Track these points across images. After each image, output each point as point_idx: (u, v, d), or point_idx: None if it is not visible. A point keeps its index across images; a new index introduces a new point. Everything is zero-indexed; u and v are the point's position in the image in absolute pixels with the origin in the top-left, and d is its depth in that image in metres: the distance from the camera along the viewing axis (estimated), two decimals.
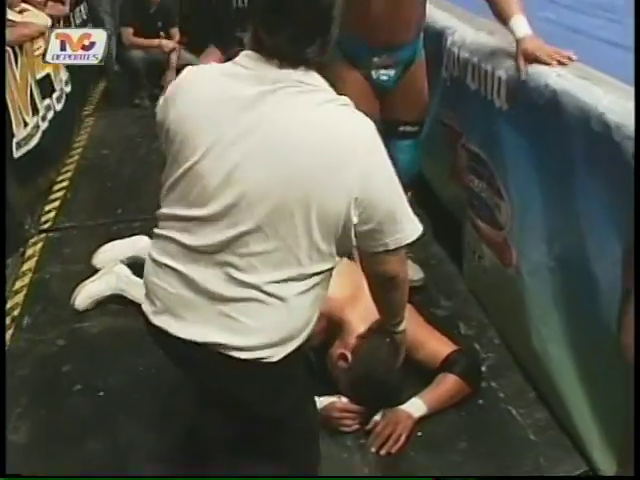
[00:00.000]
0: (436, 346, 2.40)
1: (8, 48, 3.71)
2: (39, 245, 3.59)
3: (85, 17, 6.11)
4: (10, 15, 3.90)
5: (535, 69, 2.20)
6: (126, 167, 4.46)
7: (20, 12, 4.10)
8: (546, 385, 2.31)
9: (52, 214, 3.90)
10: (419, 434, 2.24)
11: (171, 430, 2.29)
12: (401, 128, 2.82)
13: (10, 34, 3.78)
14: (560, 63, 2.19)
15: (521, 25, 2.30)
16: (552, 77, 2.12)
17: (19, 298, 3.14)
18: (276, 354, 1.54)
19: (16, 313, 3.02)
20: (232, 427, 1.86)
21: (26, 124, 3.86)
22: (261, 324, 1.52)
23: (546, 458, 2.14)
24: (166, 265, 1.57)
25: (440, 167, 3.28)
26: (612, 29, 2.64)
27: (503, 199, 2.51)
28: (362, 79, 2.67)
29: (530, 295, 2.35)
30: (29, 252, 3.52)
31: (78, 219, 3.83)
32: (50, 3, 4.82)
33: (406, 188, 2.47)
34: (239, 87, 1.48)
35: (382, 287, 1.72)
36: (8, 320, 2.97)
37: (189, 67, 1.63)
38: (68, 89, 4.92)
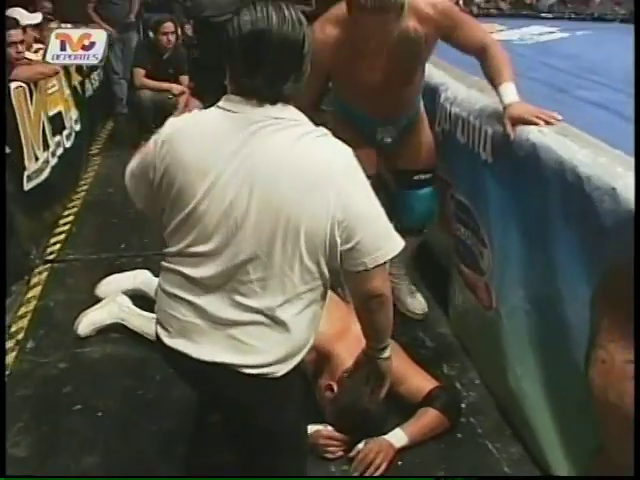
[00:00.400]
0: (419, 381, 2.54)
1: (24, 84, 3.93)
2: (44, 274, 3.74)
3: None
4: (26, 54, 4.12)
5: (520, 127, 2.38)
6: (130, 205, 4.56)
7: (35, 52, 4.31)
8: (521, 421, 2.45)
9: (57, 246, 4.06)
10: (399, 463, 2.37)
11: (167, 448, 2.42)
12: (415, 177, 3.06)
13: (27, 72, 4.00)
14: (547, 123, 2.36)
15: (509, 92, 2.48)
16: (533, 132, 2.30)
17: (23, 323, 3.28)
18: (279, 370, 1.68)
19: (20, 337, 3.16)
20: (233, 442, 1.99)
21: (37, 158, 4.05)
22: (265, 345, 1.66)
23: None
24: (176, 295, 1.71)
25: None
26: (597, 90, 2.82)
27: (486, 247, 2.68)
28: (364, 140, 2.82)
29: (508, 336, 2.51)
30: (34, 280, 3.67)
31: (82, 252, 3.98)
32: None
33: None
34: (226, 132, 1.61)
35: (367, 307, 1.79)
36: (12, 343, 3.11)
37: (174, 118, 1.75)
38: (78, 127, 5.12)
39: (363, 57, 2.65)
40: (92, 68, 6.11)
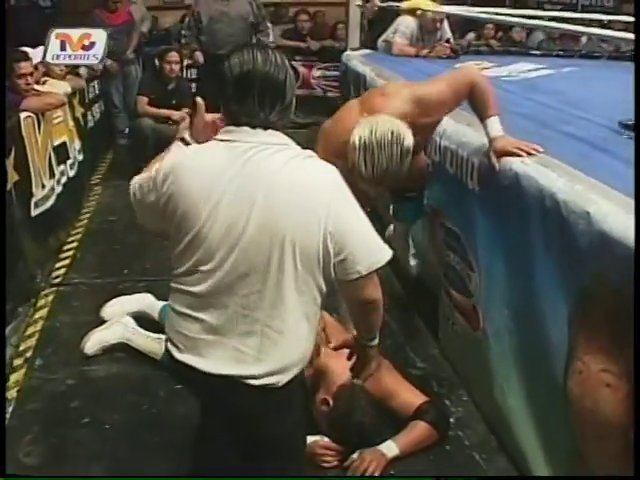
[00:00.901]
0: (409, 397, 2.69)
1: (33, 115, 4.11)
2: (50, 297, 3.88)
3: (98, 92, 6.55)
4: (35, 86, 4.31)
5: (504, 158, 2.56)
6: (132, 233, 4.75)
7: (43, 83, 4.51)
8: (506, 434, 2.60)
9: (62, 271, 4.20)
10: (391, 472, 2.51)
11: (172, 458, 2.54)
12: (406, 194, 3.27)
13: (36, 102, 4.19)
14: (528, 154, 2.55)
15: (495, 126, 2.66)
16: (516, 163, 2.48)
17: (31, 342, 3.42)
18: (280, 380, 1.83)
19: (29, 355, 3.30)
20: (236, 450, 2.13)
21: (44, 186, 4.22)
22: (265, 355, 1.81)
23: None
24: (184, 313, 1.86)
25: (419, 244, 3.62)
26: (578, 125, 3.01)
27: (474, 271, 2.85)
28: None
29: (494, 354, 2.67)
30: (41, 302, 3.81)
31: (87, 277, 4.12)
32: (69, 76, 5.23)
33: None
34: (225, 159, 1.80)
35: (361, 311, 1.96)
36: (21, 361, 3.25)
37: (178, 149, 1.95)
38: (80, 157, 5.30)
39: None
40: (94, 100, 6.32)
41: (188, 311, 1.85)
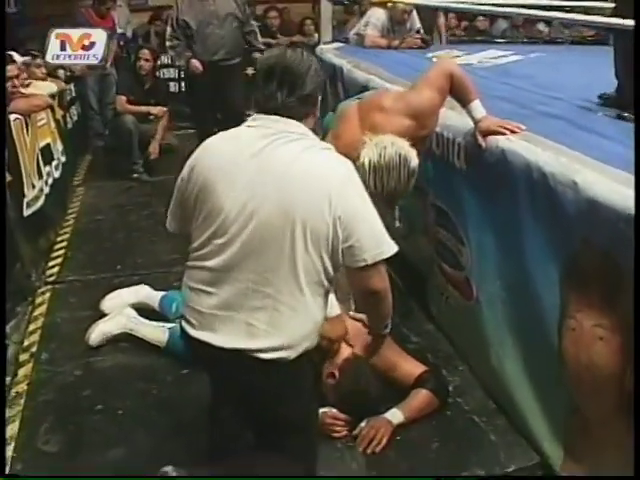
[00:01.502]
0: (410, 367, 2.83)
1: (20, 117, 4.18)
2: (47, 295, 3.95)
3: (74, 95, 6.59)
4: (22, 89, 4.39)
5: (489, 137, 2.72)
6: (120, 231, 4.87)
7: (27, 86, 4.57)
8: (504, 396, 2.75)
9: (56, 269, 4.27)
10: (398, 438, 2.65)
11: (185, 438, 2.65)
12: None
13: (24, 104, 4.26)
14: (512, 132, 2.72)
15: (478, 109, 2.84)
16: (502, 141, 2.65)
17: (35, 337, 3.49)
18: (290, 355, 1.95)
19: (34, 350, 3.37)
20: (248, 424, 2.25)
21: (34, 187, 4.29)
22: (276, 329, 1.93)
23: (505, 454, 2.57)
24: (198, 289, 1.99)
25: (409, 227, 3.76)
26: (553, 105, 3.18)
27: (464, 245, 3.00)
28: None
29: (488, 322, 2.83)
30: (38, 300, 3.89)
31: (81, 274, 4.20)
32: (49, 79, 5.29)
33: None
34: (247, 140, 1.96)
35: (368, 301, 2.10)
36: (27, 355, 3.33)
37: (208, 140, 2.08)
38: (63, 159, 5.36)
39: None
40: (71, 102, 6.36)
41: (202, 286, 1.98)
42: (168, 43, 5.89)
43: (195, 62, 5.71)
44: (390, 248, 1.96)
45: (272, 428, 2.11)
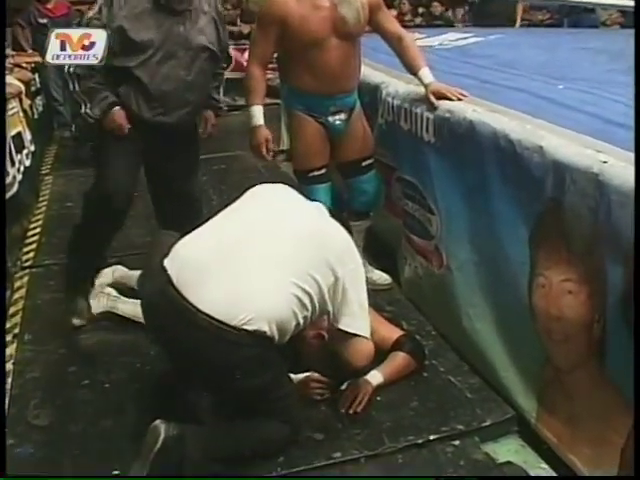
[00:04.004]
0: (387, 332, 2.95)
1: None
2: (25, 279, 4.00)
3: (39, 85, 6.59)
4: None
5: (456, 107, 2.86)
6: None
7: None
8: (476, 356, 2.89)
9: (31, 254, 4.32)
10: (378, 398, 2.77)
11: (170, 407, 2.73)
12: (363, 163, 3.50)
13: None
14: (458, 98, 2.97)
15: (427, 74, 3.14)
16: (469, 112, 2.78)
17: (16, 320, 3.55)
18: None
19: (16, 331, 3.43)
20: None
21: (7, 174, 4.32)
22: None
23: (481, 409, 2.70)
24: None
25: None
26: (515, 80, 3.32)
27: (433, 213, 3.13)
28: (320, 127, 3.35)
29: (459, 286, 2.97)
30: (17, 284, 3.94)
31: (57, 258, 4.22)
32: (16, 69, 5.32)
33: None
34: None
35: None
36: (10, 337, 3.38)
37: None
38: (32, 147, 5.39)
39: (316, 8, 3.15)
40: (37, 92, 6.36)
41: None
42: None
43: (120, 115, 3.13)
44: None
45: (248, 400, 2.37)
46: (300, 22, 3.13)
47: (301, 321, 2.34)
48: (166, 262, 2.32)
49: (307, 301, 2.31)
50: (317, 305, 2.35)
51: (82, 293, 3.40)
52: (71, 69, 3.10)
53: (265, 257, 2.30)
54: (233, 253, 2.30)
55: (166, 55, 3.08)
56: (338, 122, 3.36)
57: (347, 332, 2.45)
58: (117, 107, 3.12)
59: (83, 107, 3.13)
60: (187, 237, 2.43)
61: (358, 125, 3.44)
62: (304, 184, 3.39)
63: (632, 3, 3.30)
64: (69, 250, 3.49)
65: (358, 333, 2.45)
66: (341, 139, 3.43)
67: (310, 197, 2.77)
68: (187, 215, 3.24)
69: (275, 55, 3.40)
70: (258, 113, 3.33)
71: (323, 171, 3.41)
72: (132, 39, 3.01)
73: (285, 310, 2.27)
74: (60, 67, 6.56)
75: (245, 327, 2.20)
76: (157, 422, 2.28)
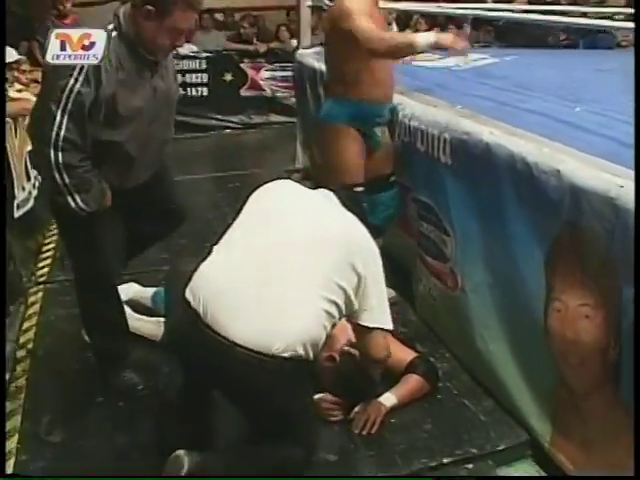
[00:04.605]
0: (401, 353, 2.94)
1: (10, 120, 4.25)
2: (39, 294, 4.01)
3: None
4: (10, 93, 4.46)
5: (473, 129, 2.86)
6: None
7: (18, 91, 4.63)
8: (490, 378, 2.88)
9: (46, 269, 4.33)
10: (392, 420, 2.77)
11: (186, 428, 2.73)
12: (391, 179, 3.52)
13: (13, 107, 4.32)
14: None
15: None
16: (486, 134, 2.78)
17: (30, 335, 3.55)
18: None
19: (30, 346, 3.44)
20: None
21: (24, 188, 4.35)
22: None
23: (495, 432, 2.69)
24: None
25: None
26: (532, 102, 3.32)
27: (449, 235, 3.13)
28: (362, 140, 3.37)
29: (474, 308, 2.96)
30: (31, 299, 3.95)
31: (71, 274, 4.23)
32: (33, 85, 5.34)
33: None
34: None
35: None
36: (24, 352, 3.39)
37: None
38: None
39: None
40: None
41: None
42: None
43: (109, 198, 2.77)
44: None
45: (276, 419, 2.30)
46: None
47: (329, 331, 2.32)
48: (188, 294, 2.28)
49: (335, 310, 2.27)
50: (344, 309, 2.31)
51: None
52: (59, 159, 2.54)
53: (290, 274, 2.24)
54: (257, 276, 2.24)
55: (152, 119, 2.75)
56: (379, 134, 3.40)
57: (367, 326, 2.42)
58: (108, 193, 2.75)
59: (71, 200, 2.62)
60: (205, 264, 2.37)
61: (388, 138, 3.46)
62: (372, 193, 3.37)
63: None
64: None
65: (377, 327, 2.43)
66: (376, 153, 3.44)
67: (376, 207, 3.10)
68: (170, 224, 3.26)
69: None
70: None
71: (362, 188, 3.36)
72: (122, 109, 2.62)
73: (316, 327, 2.23)
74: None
75: (282, 354, 2.16)
76: (179, 453, 2.25)
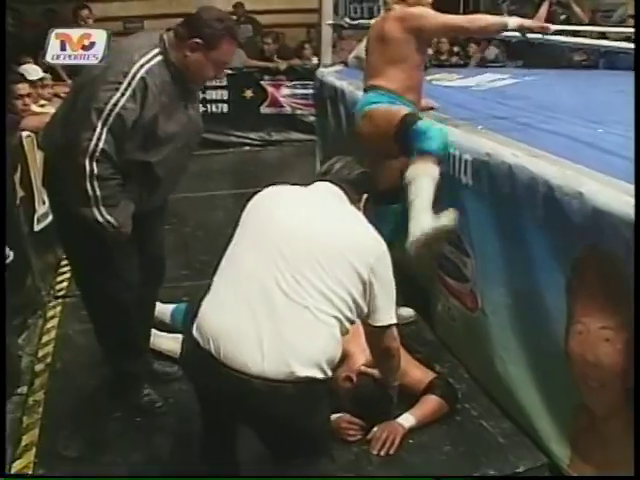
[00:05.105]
0: (419, 374, 2.94)
1: (32, 134, 4.29)
2: (58, 308, 4.04)
3: None
4: (33, 107, 4.51)
5: (495, 150, 2.85)
6: None
7: (41, 106, 4.68)
8: (509, 400, 2.87)
9: (65, 284, 4.35)
10: (411, 441, 2.75)
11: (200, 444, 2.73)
12: (399, 194, 3.31)
13: (34, 121, 4.35)
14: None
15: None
16: (508, 155, 2.77)
17: (48, 349, 3.58)
18: None
19: (49, 360, 3.46)
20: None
21: (44, 202, 4.37)
22: None
23: (513, 455, 2.68)
24: None
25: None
26: (554, 123, 3.33)
27: (469, 256, 3.12)
28: None
29: (493, 329, 2.95)
30: (50, 313, 3.98)
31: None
32: (55, 99, 5.40)
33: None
34: None
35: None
36: (42, 366, 3.41)
37: None
38: None
39: None
40: None
41: None
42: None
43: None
44: None
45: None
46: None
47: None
48: (196, 334, 2.17)
49: (346, 320, 2.19)
50: (355, 315, 2.23)
51: None
52: (94, 170, 2.48)
53: (297, 292, 2.12)
54: (263, 300, 2.12)
55: (183, 146, 2.74)
56: None
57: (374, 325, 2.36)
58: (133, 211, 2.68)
59: (98, 213, 2.55)
60: (208, 299, 2.24)
61: None
62: (381, 204, 3.12)
63: None
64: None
65: (386, 324, 2.36)
66: (394, 161, 3.38)
67: (384, 219, 2.97)
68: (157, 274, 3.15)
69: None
70: None
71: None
72: (160, 132, 2.61)
73: (330, 343, 2.14)
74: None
75: (300, 378, 2.07)
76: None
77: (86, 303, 3.02)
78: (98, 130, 2.47)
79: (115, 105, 2.48)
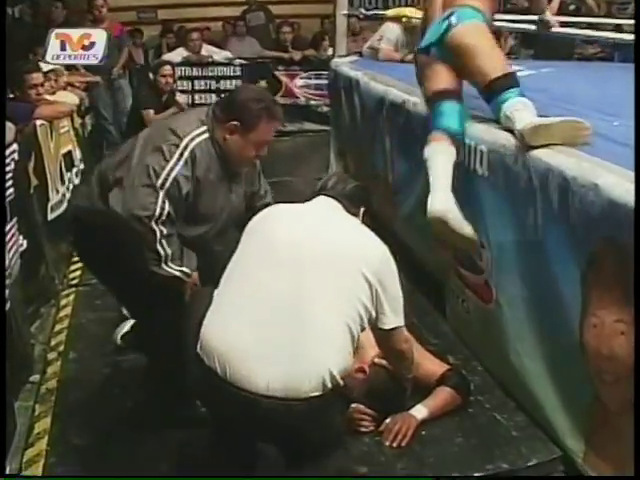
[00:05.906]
0: (432, 366, 2.92)
1: (45, 122, 4.29)
2: (71, 297, 4.06)
3: (87, 105, 6.70)
4: (45, 95, 4.52)
5: (510, 141, 2.82)
6: None
7: (52, 93, 4.69)
8: (523, 393, 2.84)
9: (78, 272, 4.37)
10: (423, 433, 2.74)
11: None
12: None
13: (48, 110, 4.38)
14: None
15: None
16: (523, 148, 2.74)
17: (61, 337, 3.60)
18: None
19: (61, 349, 3.48)
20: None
21: (57, 191, 4.40)
22: None
23: (526, 448, 2.66)
24: None
25: (424, 235, 3.85)
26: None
27: (484, 248, 3.09)
28: None
29: (508, 321, 2.92)
30: (63, 302, 4.00)
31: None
32: (69, 88, 5.39)
33: None
34: None
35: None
36: (55, 354, 3.43)
37: None
38: (82, 166, 5.46)
39: None
40: (86, 111, 6.47)
41: None
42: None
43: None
44: None
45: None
46: None
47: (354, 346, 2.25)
48: (200, 352, 2.14)
49: (356, 329, 2.18)
50: (365, 322, 2.22)
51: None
52: (163, 232, 2.52)
53: (305, 306, 2.10)
54: (270, 317, 2.09)
55: (219, 231, 2.77)
56: None
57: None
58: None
59: (175, 268, 2.60)
60: (209, 316, 2.20)
61: None
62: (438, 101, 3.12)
63: None
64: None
65: (395, 326, 2.34)
66: None
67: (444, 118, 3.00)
68: None
69: None
70: None
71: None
72: (201, 209, 2.66)
73: (344, 356, 2.12)
74: (114, 86, 6.84)
75: (313, 395, 2.05)
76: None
77: (150, 349, 2.92)
78: (162, 196, 2.49)
79: (172, 170, 2.51)
